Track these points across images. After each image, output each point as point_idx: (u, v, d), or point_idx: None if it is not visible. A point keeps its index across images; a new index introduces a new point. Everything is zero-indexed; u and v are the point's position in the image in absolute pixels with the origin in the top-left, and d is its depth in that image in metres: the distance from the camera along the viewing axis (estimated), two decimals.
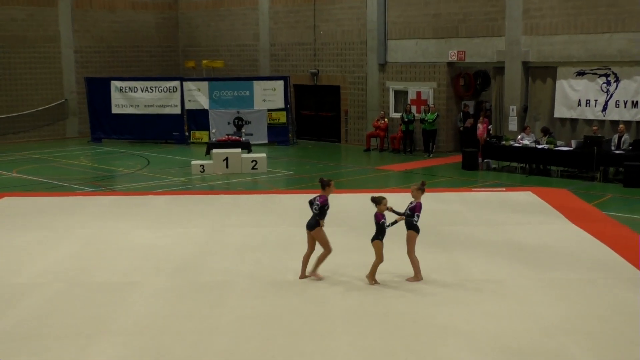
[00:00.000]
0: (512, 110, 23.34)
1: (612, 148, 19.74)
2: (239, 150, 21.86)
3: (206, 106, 28.02)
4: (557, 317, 9.06)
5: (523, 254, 11.91)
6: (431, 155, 24.40)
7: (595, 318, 9.03)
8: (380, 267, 11.30)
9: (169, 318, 9.16)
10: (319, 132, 29.11)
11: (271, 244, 12.74)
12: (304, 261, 10.83)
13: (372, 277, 10.44)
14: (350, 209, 15.69)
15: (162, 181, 19.99)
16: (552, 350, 8.05)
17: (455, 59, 24.62)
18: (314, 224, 10.65)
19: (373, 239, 10.43)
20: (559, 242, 12.67)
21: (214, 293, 10.12)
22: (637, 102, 20.86)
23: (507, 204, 16.21)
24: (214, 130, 26.28)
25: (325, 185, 10.76)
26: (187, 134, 28.35)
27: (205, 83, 28.24)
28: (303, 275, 10.77)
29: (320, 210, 10.59)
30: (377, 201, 10.40)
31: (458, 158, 22.48)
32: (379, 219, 10.35)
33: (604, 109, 21.50)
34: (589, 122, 21.59)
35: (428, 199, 16.75)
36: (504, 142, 21.46)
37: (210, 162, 21.41)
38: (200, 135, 27.98)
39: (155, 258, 11.89)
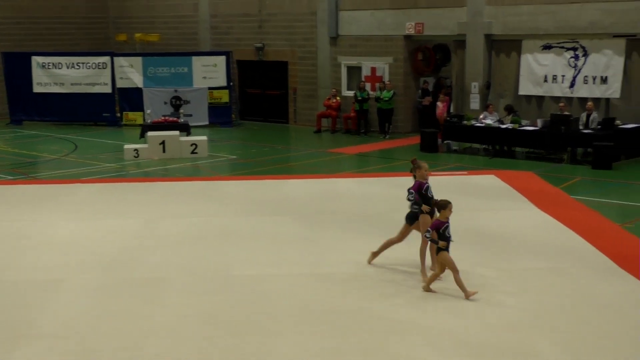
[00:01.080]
0: (474, 87, 23.56)
1: (581, 127, 20.07)
2: (177, 132, 21.70)
3: (140, 84, 27.70)
4: (523, 310, 9.18)
5: (486, 242, 12.05)
6: (387, 136, 24.52)
7: (563, 310, 9.18)
8: (331, 261, 11.33)
9: (99, 319, 9.04)
10: (265, 112, 29.02)
11: (213, 236, 12.67)
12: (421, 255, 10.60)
13: (428, 284, 9.93)
14: (298, 197, 15.70)
15: (91, 168, 19.72)
16: (517, 346, 8.15)
17: (413, 31, 24.73)
18: (413, 216, 10.48)
19: (436, 252, 9.80)
20: (524, 228, 12.83)
21: (149, 290, 10.02)
22: (606, 77, 21.22)
23: (469, 188, 16.37)
24: (149, 111, 25.98)
25: (415, 168, 10.58)
26: (119, 115, 28.03)
27: (139, 59, 27.90)
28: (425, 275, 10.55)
29: (421, 197, 10.34)
30: (442, 206, 9.81)
31: (416, 139, 22.63)
32: (437, 228, 9.73)
33: (572, 85, 21.84)
34: (556, 99, 21.91)
35: (384, 184, 16.92)
36: (465, 121, 21.65)
37: (146, 146, 21.20)
38: (134, 116, 27.67)
39: (84, 253, 11.73)
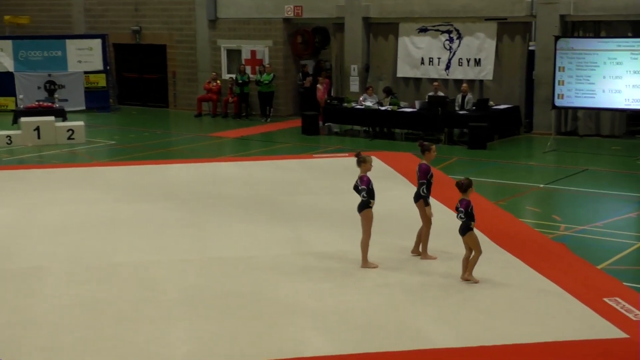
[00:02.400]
0: (354, 69, 23.84)
1: (456, 108, 20.64)
2: (52, 118, 21.15)
3: (11, 68, 26.70)
4: (406, 288, 9.43)
5: None
6: (268, 119, 24.52)
7: (443, 287, 9.47)
8: (217, 246, 11.30)
9: None
10: (143, 96, 28.51)
11: (94, 223, 12.41)
12: (422, 237, 10.58)
13: (470, 274, 9.60)
14: (181, 182, 15.55)
15: None
16: (400, 323, 8.37)
17: (292, 14, 24.77)
18: (418, 195, 10.38)
19: (464, 232, 9.57)
20: (405, 209, 13.05)
21: (28, 281, 9.75)
22: (479, 60, 21.87)
23: (351, 170, 16.43)
24: (21, 96, 25.15)
25: (425, 150, 10.44)
26: None
27: (9, 42, 26.88)
28: (416, 251, 10.66)
29: (425, 179, 10.26)
30: (467, 185, 9.54)
31: (298, 122, 22.75)
32: (467, 207, 9.48)
33: (448, 67, 22.40)
34: (432, 81, 22.40)
35: (266, 167, 16.96)
36: (345, 104, 21.90)
37: (19, 132, 20.54)
38: (5, 101, 26.64)
39: None
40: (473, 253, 9.57)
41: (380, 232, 11.15)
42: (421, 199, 10.39)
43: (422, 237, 10.59)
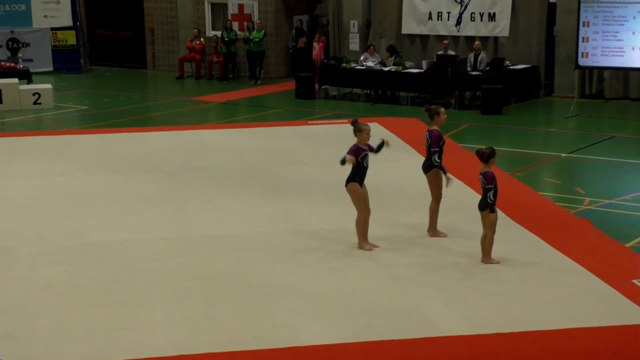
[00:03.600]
0: (353, 26, 23.72)
1: (468, 69, 20.55)
2: (15, 80, 21.08)
3: None
4: (411, 269, 9.42)
5: (372, 196, 12.18)
6: (259, 82, 24.45)
7: (453, 267, 9.47)
8: (201, 223, 11.28)
9: None
10: (119, 56, 28.41)
11: (64, 198, 12.40)
12: (431, 214, 10.54)
13: (489, 257, 9.53)
14: (160, 151, 15.52)
15: None
16: (405, 307, 8.37)
17: None
18: (429, 166, 10.31)
19: (483, 208, 9.41)
20: (410, 180, 13.06)
21: None
22: (494, 14, 21.73)
23: (350, 138, 16.47)
24: None
25: (433, 114, 10.36)
26: None
27: None
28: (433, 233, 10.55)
29: (437, 147, 10.14)
30: (490, 154, 9.30)
31: (291, 85, 22.68)
32: (489, 182, 9.29)
33: (458, 23, 22.27)
34: (441, 38, 22.29)
35: (255, 135, 16.91)
36: (344, 64, 21.81)
37: None
38: None
39: None
40: (486, 234, 9.50)
41: (382, 207, 11.16)
42: (433, 169, 10.31)
43: (431, 212, 10.54)
